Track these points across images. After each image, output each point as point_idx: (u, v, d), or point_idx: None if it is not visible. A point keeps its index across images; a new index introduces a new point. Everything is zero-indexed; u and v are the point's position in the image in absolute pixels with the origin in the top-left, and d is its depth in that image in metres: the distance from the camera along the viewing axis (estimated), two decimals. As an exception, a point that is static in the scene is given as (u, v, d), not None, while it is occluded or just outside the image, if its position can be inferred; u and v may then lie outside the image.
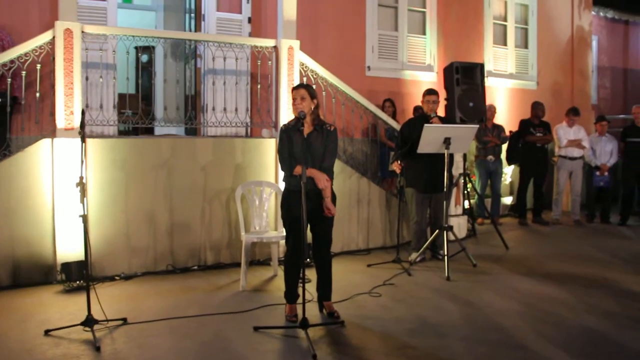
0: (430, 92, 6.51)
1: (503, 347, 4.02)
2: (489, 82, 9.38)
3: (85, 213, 4.15)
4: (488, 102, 8.28)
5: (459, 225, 7.65)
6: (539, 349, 3.98)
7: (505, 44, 10.36)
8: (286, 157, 4.48)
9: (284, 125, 4.61)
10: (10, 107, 5.61)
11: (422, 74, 9.29)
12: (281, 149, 4.54)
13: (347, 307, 4.80)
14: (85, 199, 4.14)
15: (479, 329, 4.40)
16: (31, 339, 4.07)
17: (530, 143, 8.94)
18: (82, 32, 5.73)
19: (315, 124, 4.49)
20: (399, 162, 6.46)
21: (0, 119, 5.65)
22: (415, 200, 6.51)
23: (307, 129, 4.46)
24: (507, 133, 9.18)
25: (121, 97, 6.53)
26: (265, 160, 6.47)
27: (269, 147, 6.52)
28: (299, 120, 4.38)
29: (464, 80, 7.38)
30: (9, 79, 5.46)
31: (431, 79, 9.33)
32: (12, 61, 5.46)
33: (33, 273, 5.46)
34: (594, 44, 11.47)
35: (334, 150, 4.54)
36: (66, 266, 5.35)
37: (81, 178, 4.09)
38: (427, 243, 6.46)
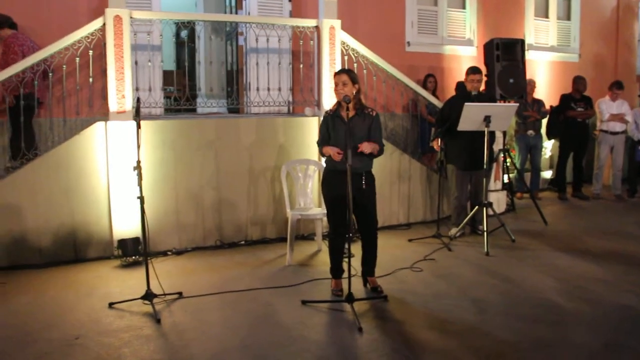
0: (474, 70, 6.55)
1: (540, 323, 4.16)
2: (529, 55, 9.32)
3: (142, 195, 4.41)
4: (528, 76, 8.25)
5: (498, 200, 7.73)
6: (575, 326, 4.11)
7: (546, 15, 10.22)
8: (319, 142, 4.77)
9: (327, 112, 4.79)
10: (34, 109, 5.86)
11: (462, 48, 9.27)
12: (320, 133, 4.82)
13: (389, 281, 5.00)
14: (141, 181, 4.40)
15: (517, 304, 4.54)
16: (97, 311, 4.40)
17: (571, 118, 8.88)
18: (131, 17, 5.94)
19: (357, 108, 4.64)
20: (439, 140, 6.56)
21: (27, 122, 5.87)
22: (455, 176, 6.62)
23: (348, 113, 4.60)
24: (548, 107, 9.13)
25: (165, 74, 6.74)
26: (308, 139, 6.63)
27: (311, 125, 6.68)
28: (339, 105, 4.55)
29: (504, 57, 7.38)
30: (50, 73, 5.72)
31: (471, 53, 9.30)
32: (66, 48, 5.73)
33: (92, 249, 5.82)
34: (641, 12, 11.19)
35: (379, 131, 4.75)
36: (122, 242, 5.67)
37: (138, 162, 4.34)
38: (466, 219, 6.58)
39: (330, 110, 4.78)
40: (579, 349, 3.72)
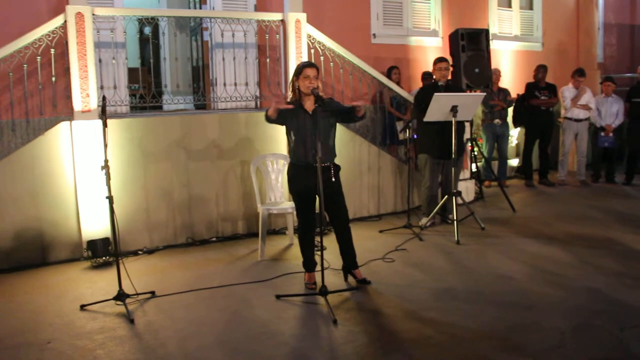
0: (441, 59, 6.63)
1: (512, 308, 4.24)
2: (493, 45, 9.43)
3: (111, 194, 4.35)
4: (493, 65, 8.36)
5: (467, 189, 7.83)
6: (546, 310, 4.20)
7: (509, 5, 10.36)
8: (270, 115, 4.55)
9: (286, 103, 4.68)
10: None
11: (428, 39, 9.33)
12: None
13: (362, 273, 5.01)
14: (110, 181, 4.34)
15: (488, 291, 4.61)
16: (69, 313, 4.34)
17: (536, 106, 9.04)
18: (93, 14, 5.84)
19: (317, 100, 4.59)
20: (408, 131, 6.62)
21: None
22: (428, 166, 6.69)
23: (310, 106, 4.60)
24: (513, 96, 9.27)
25: (130, 71, 6.66)
26: (277, 133, 6.60)
27: (280, 120, 6.65)
28: (300, 97, 4.57)
29: (469, 47, 7.46)
30: (10, 73, 5.58)
31: (436, 44, 9.37)
32: (26, 47, 5.60)
33: (61, 251, 5.72)
34: (600, 0, 11.41)
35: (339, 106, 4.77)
36: (92, 243, 5.59)
37: (106, 161, 4.28)
38: (436, 208, 6.65)
39: (289, 103, 4.67)
40: (549, 332, 3.80)
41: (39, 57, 5.67)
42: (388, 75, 8.33)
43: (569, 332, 3.81)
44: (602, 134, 9.14)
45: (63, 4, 5.81)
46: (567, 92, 9.13)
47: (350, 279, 4.92)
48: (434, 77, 6.70)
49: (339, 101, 4.81)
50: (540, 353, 3.53)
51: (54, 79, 5.80)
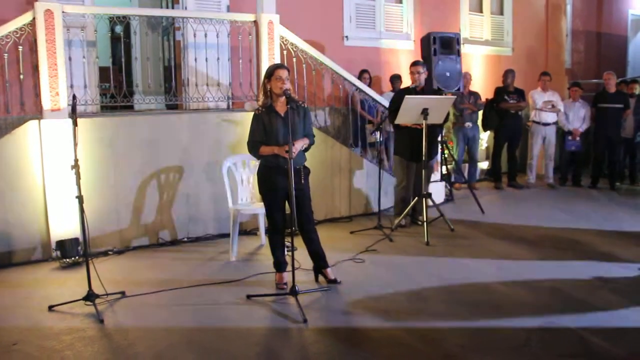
0: (417, 63, 6.69)
1: (480, 306, 4.32)
2: (465, 49, 9.58)
3: (81, 194, 4.30)
4: (464, 69, 8.48)
5: (437, 191, 7.91)
6: (513, 309, 4.29)
7: (481, 10, 10.53)
8: (251, 141, 4.67)
9: (257, 109, 4.69)
10: None
11: (400, 42, 9.43)
12: (250, 133, 4.69)
13: (332, 273, 5.03)
14: (79, 180, 4.30)
15: (457, 291, 4.69)
16: (36, 314, 4.27)
17: (505, 110, 9.18)
18: (63, 12, 5.76)
19: (289, 102, 4.60)
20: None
21: None
22: (401, 167, 6.75)
23: (282, 107, 4.62)
24: (484, 100, 9.42)
25: (100, 70, 6.59)
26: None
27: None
28: (271, 100, 4.60)
29: (441, 50, 7.57)
30: None
31: (408, 47, 9.48)
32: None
33: (29, 251, 5.63)
34: (569, 7, 11.64)
35: (310, 121, 4.86)
36: (61, 243, 5.52)
37: (76, 160, 4.24)
38: (406, 209, 6.71)
39: (261, 106, 4.68)
40: (516, 331, 3.89)
41: (6, 54, 5.58)
42: (358, 78, 8.39)
43: (534, 330, 3.89)
44: (569, 138, 9.33)
45: (32, 0, 5.72)
46: (535, 94, 9.31)
47: (321, 279, 4.95)
48: (410, 80, 6.75)
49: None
50: (507, 352, 3.61)
51: (22, 76, 5.71)
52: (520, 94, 9.28)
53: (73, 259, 5.49)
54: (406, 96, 6.23)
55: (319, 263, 4.93)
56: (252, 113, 4.73)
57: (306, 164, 4.82)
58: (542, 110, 9.22)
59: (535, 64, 11.04)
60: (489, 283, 4.85)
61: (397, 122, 6.35)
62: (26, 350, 3.70)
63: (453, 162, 8.82)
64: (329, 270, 4.94)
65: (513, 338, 3.79)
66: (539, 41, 11.36)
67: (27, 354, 3.65)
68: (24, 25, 5.63)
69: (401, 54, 9.31)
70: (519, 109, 9.28)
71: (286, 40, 6.91)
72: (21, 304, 4.52)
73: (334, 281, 4.87)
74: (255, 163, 6.14)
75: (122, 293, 4.64)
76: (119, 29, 8.17)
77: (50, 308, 4.34)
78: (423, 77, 6.68)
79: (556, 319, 4.08)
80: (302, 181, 4.67)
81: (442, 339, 3.80)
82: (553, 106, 9.19)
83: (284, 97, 4.53)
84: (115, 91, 6.38)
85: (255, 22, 6.76)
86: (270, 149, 4.57)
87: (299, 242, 5.02)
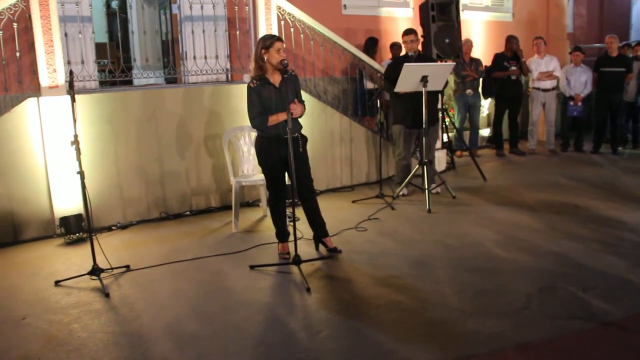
0: (408, 31, 6.63)
1: (481, 273, 4.36)
2: (465, 15, 9.46)
3: (82, 170, 4.32)
4: (464, 36, 8.40)
5: (439, 158, 7.91)
6: (513, 274, 4.33)
7: (480, -25, 10.39)
8: (257, 115, 4.61)
9: (252, 83, 4.64)
10: None
11: (398, 10, 9.33)
12: (251, 107, 4.64)
13: (335, 242, 5.07)
14: (80, 156, 4.31)
15: (458, 257, 4.73)
16: (43, 290, 4.33)
17: (504, 76, 9.10)
18: (57, -13, 5.71)
19: (282, 72, 4.60)
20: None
21: None
22: (402, 136, 6.74)
23: (276, 78, 4.60)
24: (484, 66, 9.34)
25: (97, 46, 6.56)
26: (248, 106, 6.60)
27: (251, 92, 6.63)
28: (262, 71, 4.57)
29: (440, 17, 7.46)
30: None
31: (407, 14, 9.38)
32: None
33: (33, 229, 5.67)
34: (571, -30, 11.54)
35: (300, 90, 4.84)
36: (64, 220, 5.56)
37: (76, 136, 4.25)
38: (408, 177, 6.71)
39: (256, 79, 4.64)
40: (516, 295, 3.93)
41: (0, 32, 5.55)
42: (368, 47, 8.35)
43: (534, 294, 3.93)
44: (571, 103, 9.26)
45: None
46: (533, 63, 9.24)
47: (322, 247, 4.99)
48: (405, 49, 6.71)
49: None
50: (507, 314, 3.65)
51: (18, 54, 5.68)
52: (518, 60, 9.17)
53: (77, 235, 5.53)
54: (405, 64, 6.19)
55: (319, 232, 4.96)
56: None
57: (307, 134, 4.82)
58: (539, 80, 9.15)
59: (536, 29, 10.91)
60: (489, 248, 4.88)
61: (396, 90, 6.31)
62: (35, 323, 3.76)
63: (454, 130, 8.80)
64: (329, 239, 4.97)
65: (513, 301, 3.83)
66: (540, 6, 11.21)
67: (36, 327, 3.71)
68: (17, 1, 5.57)
69: (400, 22, 9.21)
70: (513, 73, 9.13)
71: (283, 10, 6.84)
72: (28, 280, 4.58)
73: (334, 250, 4.91)
74: (255, 135, 6.15)
75: (127, 267, 4.69)
76: (114, 4, 8.10)
77: (57, 283, 4.40)
78: (417, 44, 6.63)
79: (556, 282, 4.11)
80: (301, 149, 4.68)
81: (443, 304, 3.84)
82: (550, 75, 9.12)
83: (280, 68, 4.51)
84: (113, 67, 6.35)
85: (252, -8, 6.70)
86: (275, 117, 4.55)
87: (300, 212, 5.05)
